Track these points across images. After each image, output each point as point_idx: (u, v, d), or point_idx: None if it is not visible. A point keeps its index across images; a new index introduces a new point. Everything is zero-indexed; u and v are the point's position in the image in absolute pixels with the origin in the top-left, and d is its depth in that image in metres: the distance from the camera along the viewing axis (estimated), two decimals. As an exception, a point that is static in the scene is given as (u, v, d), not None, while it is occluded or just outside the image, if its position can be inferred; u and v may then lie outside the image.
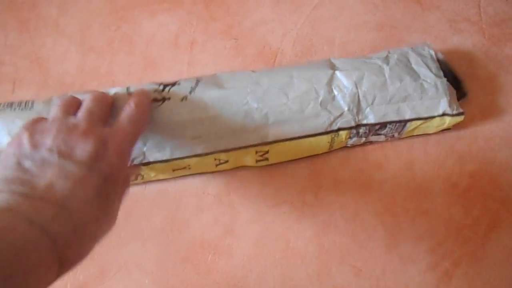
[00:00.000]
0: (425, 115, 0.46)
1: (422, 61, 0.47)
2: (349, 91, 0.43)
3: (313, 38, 0.52)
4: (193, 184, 0.48)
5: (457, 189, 0.50)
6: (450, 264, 0.49)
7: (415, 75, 0.45)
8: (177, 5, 0.50)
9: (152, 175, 0.44)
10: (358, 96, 0.44)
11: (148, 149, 0.41)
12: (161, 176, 0.46)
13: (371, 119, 0.45)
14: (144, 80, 0.50)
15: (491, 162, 0.50)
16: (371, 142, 0.49)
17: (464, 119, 0.48)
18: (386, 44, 0.53)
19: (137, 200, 0.47)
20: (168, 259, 0.45)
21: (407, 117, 0.46)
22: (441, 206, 0.49)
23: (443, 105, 0.46)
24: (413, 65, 0.47)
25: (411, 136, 0.50)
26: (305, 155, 0.48)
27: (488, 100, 0.52)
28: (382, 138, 0.49)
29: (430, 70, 0.46)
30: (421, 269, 0.48)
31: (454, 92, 0.47)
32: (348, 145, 0.49)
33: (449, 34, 0.54)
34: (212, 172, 0.47)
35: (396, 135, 0.48)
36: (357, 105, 0.44)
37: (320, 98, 0.43)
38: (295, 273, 0.44)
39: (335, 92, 0.43)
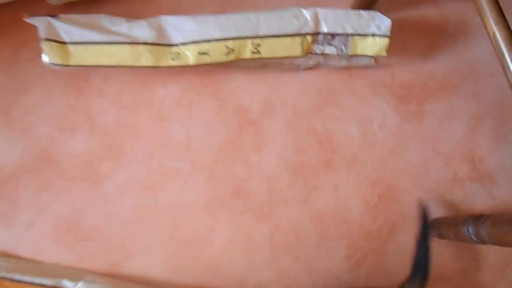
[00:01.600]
0: (360, 33, 0.72)
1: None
2: (311, 10, 0.71)
3: (272, 99, 0.76)
4: (189, 197, 0.72)
5: (368, 204, 0.74)
6: (360, 256, 0.72)
7: (356, 11, 0.73)
8: (179, 77, 0.74)
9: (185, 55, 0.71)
10: (317, 12, 0.71)
11: (186, 34, 0.70)
12: (191, 60, 0.70)
13: (324, 29, 0.72)
14: (157, 127, 0.74)
15: (393, 186, 0.74)
16: (328, 55, 0.74)
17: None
18: (323, 103, 0.77)
19: (152, 207, 0.71)
20: (171, 247, 0.70)
21: (349, 32, 0.72)
22: (357, 216, 0.73)
23: (373, 28, 0.72)
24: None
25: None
26: (286, 55, 0.72)
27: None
28: (334, 50, 0.73)
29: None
30: (341, 258, 0.72)
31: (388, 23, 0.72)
32: (314, 52, 0.73)
33: (369, 95, 0.78)
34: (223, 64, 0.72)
35: (344, 49, 0.73)
36: (316, 17, 0.71)
37: (293, 12, 0.71)
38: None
39: (302, 10, 0.71)
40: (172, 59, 0.71)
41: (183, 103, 0.75)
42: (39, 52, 0.71)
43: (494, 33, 0.53)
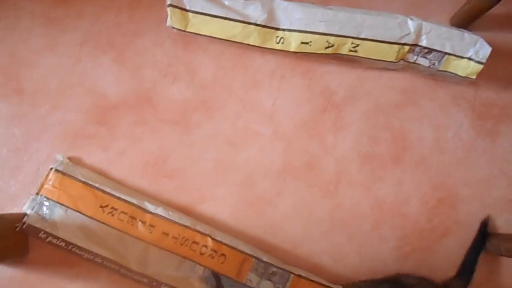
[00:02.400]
0: (457, 54, 0.75)
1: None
2: (416, 22, 0.74)
3: (358, 89, 0.81)
4: (265, 161, 0.78)
5: (426, 205, 0.78)
6: (409, 249, 0.77)
7: (459, 31, 0.76)
8: (278, 51, 0.80)
9: (289, 41, 0.77)
10: (422, 25, 0.74)
11: (293, 21, 0.76)
12: (293, 46, 0.77)
13: (424, 43, 0.75)
14: (249, 92, 0.81)
15: (454, 194, 0.78)
16: (419, 65, 0.77)
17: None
18: (405, 103, 0.81)
19: (232, 162, 0.78)
20: (240, 202, 0.77)
21: (446, 50, 0.75)
22: (414, 214, 0.77)
23: (471, 52, 0.74)
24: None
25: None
26: (381, 58, 0.77)
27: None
28: (427, 62, 0.77)
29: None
30: (391, 247, 0.77)
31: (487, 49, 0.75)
32: (407, 60, 0.77)
33: (449, 105, 0.82)
34: (320, 55, 0.77)
35: (436, 63, 0.76)
36: (419, 30, 0.75)
37: (398, 21, 0.75)
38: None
39: (408, 20, 0.75)
40: (277, 43, 0.78)
41: (276, 75, 0.81)
42: (158, 2, 0.79)
43: None
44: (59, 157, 0.76)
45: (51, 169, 0.74)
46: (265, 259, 0.72)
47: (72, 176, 0.74)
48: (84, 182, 0.73)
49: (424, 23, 0.74)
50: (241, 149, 0.79)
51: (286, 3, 0.77)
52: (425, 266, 0.77)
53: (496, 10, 0.74)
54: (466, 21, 0.79)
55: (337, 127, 0.80)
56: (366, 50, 0.77)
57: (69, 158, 0.77)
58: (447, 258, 0.77)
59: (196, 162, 0.78)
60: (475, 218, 0.77)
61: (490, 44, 0.74)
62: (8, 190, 0.77)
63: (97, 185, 0.73)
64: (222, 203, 0.77)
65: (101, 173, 0.77)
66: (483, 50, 0.74)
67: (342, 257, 0.77)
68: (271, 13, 0.77)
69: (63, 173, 0.74)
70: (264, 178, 0.78)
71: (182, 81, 0.81)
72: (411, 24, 0.75)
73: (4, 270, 0.74)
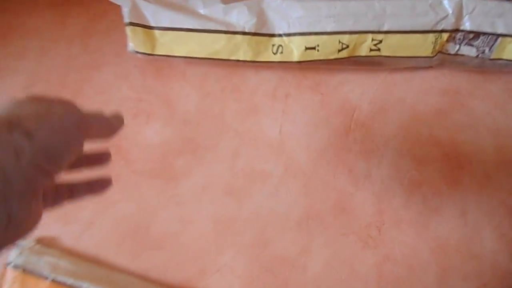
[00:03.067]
0: None
1: None
2: (456, 1, 0.55)
3: (387, 98, 0.63)
4: (279, 209, 0.59)
5: (505, 238, 0.58)
6: (494, 303, 0.56)
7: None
8: (276, 64, 0.62)
9: (290, 48, 0.59)
10: (462, 3, 0.55)
11: (292, 23, 0.57)
12: (295, 55, 0.58)
13: (467, 26, 0.56)
14: (246, 121, 0.62)
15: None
16: (462, 56, 0.58)
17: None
18: (449, 108, 0.62)
19: (235, 217, 0.59)
20: (254, 269, 0.56)
21: (499, 32, 0.56)
22: (490, 252, 0.57)
23: None
24: None
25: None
26: (411, 55, 0.59)
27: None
28: (473, 51, 0.57)
29: None
30: (468, 305, 0.56)
31: None
32: (446, 52, 0.58)
33: (508, 102, 0.63)
34: (331, 62, 0.59)
35: (486, 50, 0.57)
36: (459, 10, 0.55)
37: (430, 2, 0.55)
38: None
39: (444, 0, 0.55)
40: (274, 53, 0.60)
41: (278, 94, 0.63)
42: (116, 24, 0.61)
43: None
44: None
45: (8, 265, 0.55)
46: None
47: (35, 273, 0.54)
48: (54, 280, 0.53)
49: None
50: (245, 198, 0.59)
51: (279, 0, 0.59)
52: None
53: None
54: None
55: (368, 150, 0.61)
56: (392, 46, 0.58)
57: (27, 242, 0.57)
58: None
59: (189, 223, 0.59)
60: None
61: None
62: None
63: (71, 281, 0.53)
64: (230, 274, 0.57)
65: (71, 255, 0.57)
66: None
67: (405, 328, 0.56)
68: (261, 16, 0.59)
69: (24, 270, 0.54)
70: (282, 232, 0.58)
71: (158, 118, 0.62)
72: (447, 4, 0.56)
73: None
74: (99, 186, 0.39)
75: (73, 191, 0.36)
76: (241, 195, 0.59)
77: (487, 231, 0.58)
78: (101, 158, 0.39)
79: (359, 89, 0.63)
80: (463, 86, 0.63)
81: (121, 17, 0.58)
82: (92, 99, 0.63)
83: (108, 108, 0.63)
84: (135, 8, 0.58)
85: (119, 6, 0.58)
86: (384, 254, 0.57)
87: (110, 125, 0.33)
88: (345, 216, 0.59)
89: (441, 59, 0.60)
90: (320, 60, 0.60)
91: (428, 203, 0.59)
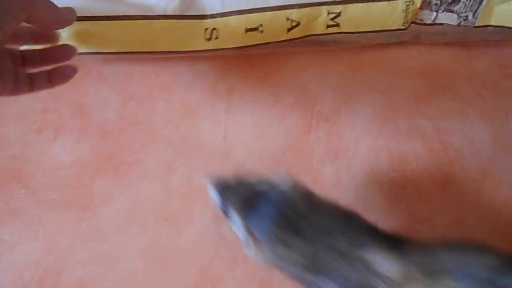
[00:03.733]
0: None
1: None
2: None
3: (353, 85, 0.51)
4: (230, 235, 0.46)
5: (513, 248, 0.46)
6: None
7: None
8: (213, 53, 0.50)
9: (227, 32, 0.46)
10: None
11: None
12: (235, 39, 0.46)
13: None
14: (181, 126, 0.50)
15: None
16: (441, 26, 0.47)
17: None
18: (430, 91, 0.51)
19: (172, 249, 0.46)
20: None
21: None
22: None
23: None
24: None
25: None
26: (379, 29, 0.47)
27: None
28: (454, 19, 0.45)
29: None
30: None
31: None
32: (421, 23, 0.46)
33: (499, 79, 0.52)
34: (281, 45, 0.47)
35: (470, 16, 0.45)
36: None
37: None
38: None
39: None
40: (208, 39, 0.47)
41: (219, 90, 0.51)
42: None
43: None
44: None
45: None
46: None
47: None
48: None
49: (437, -47, 0.45)
50: (185, 223, 0.46)
51: (208, -29, 0.46)
52: None
53: None
54: None
55: (335, 151, 0.49)
56: (353, 20, 0.46)
57: None
58: None
59: (113, 263, 0.45)
60: None
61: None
62: None
63: None
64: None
65: None
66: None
67: None
68: (187, -7, 0.47)
69: None
70: (233, 265, 0.45)
71: (69, 132, 0.49)
72: (418, -40, 0.45)
73: None
74: (62, 74, 0.39)
75: (33, 79, 0.38)
76: (180, 220, 0.46)
77: (491, 238, 0.46)
78: (61, 54, 0.40)
79: (319, 76, 0.51)
80: (445, 64, 0.52)
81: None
82: (-17, 114, 0.49)
83: (5, 125, 0.49)
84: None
85: None
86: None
87: (57, 12, 0.34)
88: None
89: (416, 31, 0.49)
90: (267, 43, 0.48)
91: (415, 212, 0.47)
